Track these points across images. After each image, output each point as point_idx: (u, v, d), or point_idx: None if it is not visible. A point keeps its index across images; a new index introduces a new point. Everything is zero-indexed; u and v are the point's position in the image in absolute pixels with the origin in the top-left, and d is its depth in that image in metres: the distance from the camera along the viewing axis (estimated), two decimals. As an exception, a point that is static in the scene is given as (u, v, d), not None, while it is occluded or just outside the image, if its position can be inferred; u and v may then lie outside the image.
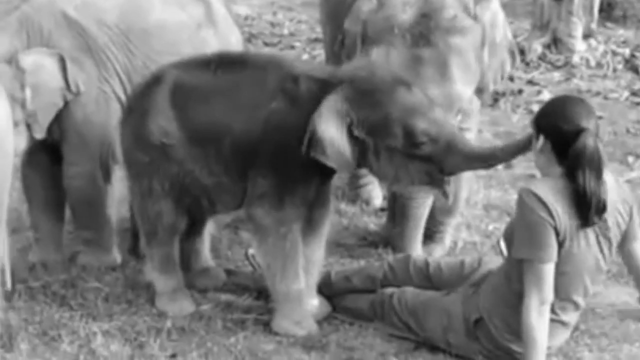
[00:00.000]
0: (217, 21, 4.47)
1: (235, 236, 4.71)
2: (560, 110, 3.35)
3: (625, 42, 9.01)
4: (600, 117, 5.42)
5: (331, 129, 3.50)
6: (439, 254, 4.47)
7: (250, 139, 3.66)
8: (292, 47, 9.17)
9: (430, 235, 4.52)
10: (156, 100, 3.81)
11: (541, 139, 3.35)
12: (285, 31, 9.86)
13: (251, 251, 4.12)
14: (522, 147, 3.53)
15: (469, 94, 4.10)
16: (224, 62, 3.81)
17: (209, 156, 3.75)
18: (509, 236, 3.44)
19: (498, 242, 4.60)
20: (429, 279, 3.82)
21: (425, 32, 3.96)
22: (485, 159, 3.64)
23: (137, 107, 3.90)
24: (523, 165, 5.79)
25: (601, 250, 3.41)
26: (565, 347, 3.57)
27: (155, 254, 3.99)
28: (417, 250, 4.36)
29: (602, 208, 3.30)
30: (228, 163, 3.74)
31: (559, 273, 3.31)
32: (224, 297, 4.08)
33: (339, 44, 4.22)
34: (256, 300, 4.04)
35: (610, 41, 8.87)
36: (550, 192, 3.28)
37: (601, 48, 8.52)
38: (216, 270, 4.27)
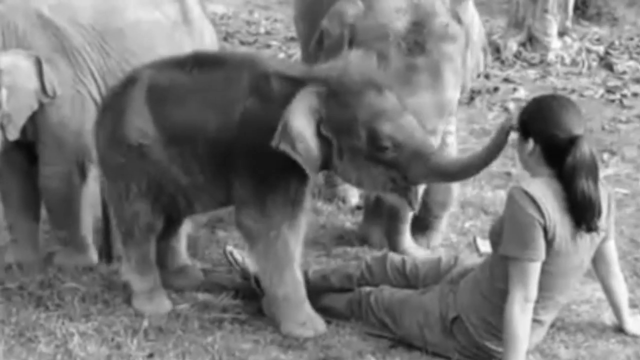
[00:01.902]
0: (192, 20, 4.47)
1: (212, 235, 4.71)
2: (551, 116, 3.30)
3: (599, 40, 9.08)
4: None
5: (302, 123, 3.47)
6: (437, 241, 4.53)
7: (225, 138, 3.65)
8: (268, 46, 9.17)
9: (426, 226, 4.55)
10: (132, 100, 3.79)
11: (531, 144, 3.32)
12: (262, 30, 9.85)
13: (229, 248, 4.11)
14: (488, 157, 3.45)
15: (457, 97, 4.11)
16: (199, 62, 3.79)
17: (185, 156, 3.74)
18: (497, 233, 3.42)
19: (474, 240, 4.65)
20: (405, 277, 3.82)
21: (420, 40, 3.93)
22: (451, 175, 3.61)
23: (112, 108, 3.89)
24: (499, 162, 5.81)
25: (587, 251, 3.42)
26: (541, 343, 3.58)
27: (132, 255, 3.98)
28: (406, 244, 4.37)
29: (599, 213, 3.30)
30: (204, 162, 3.73)
31: (544, 272, 3.30)
32: (201, 296, 4.07)
33: (315, 44, 4.17)
34: (233, 299, 4.03)
35: (585, 39, 8.92)
36: (542, 192, 3.27)
37: (576, 46, 8.57)
38: (193, 270, 4.26)
